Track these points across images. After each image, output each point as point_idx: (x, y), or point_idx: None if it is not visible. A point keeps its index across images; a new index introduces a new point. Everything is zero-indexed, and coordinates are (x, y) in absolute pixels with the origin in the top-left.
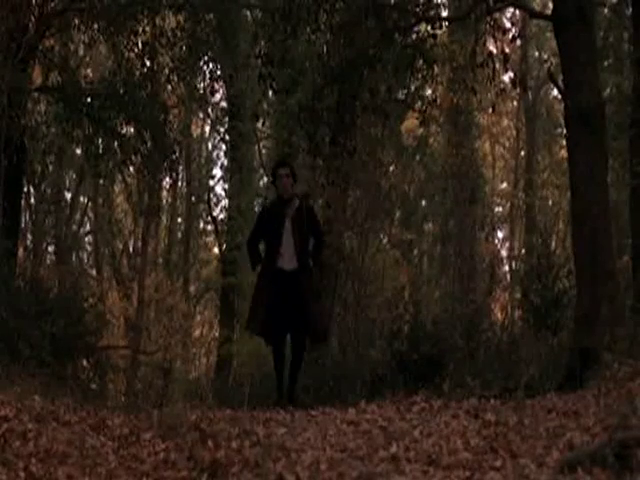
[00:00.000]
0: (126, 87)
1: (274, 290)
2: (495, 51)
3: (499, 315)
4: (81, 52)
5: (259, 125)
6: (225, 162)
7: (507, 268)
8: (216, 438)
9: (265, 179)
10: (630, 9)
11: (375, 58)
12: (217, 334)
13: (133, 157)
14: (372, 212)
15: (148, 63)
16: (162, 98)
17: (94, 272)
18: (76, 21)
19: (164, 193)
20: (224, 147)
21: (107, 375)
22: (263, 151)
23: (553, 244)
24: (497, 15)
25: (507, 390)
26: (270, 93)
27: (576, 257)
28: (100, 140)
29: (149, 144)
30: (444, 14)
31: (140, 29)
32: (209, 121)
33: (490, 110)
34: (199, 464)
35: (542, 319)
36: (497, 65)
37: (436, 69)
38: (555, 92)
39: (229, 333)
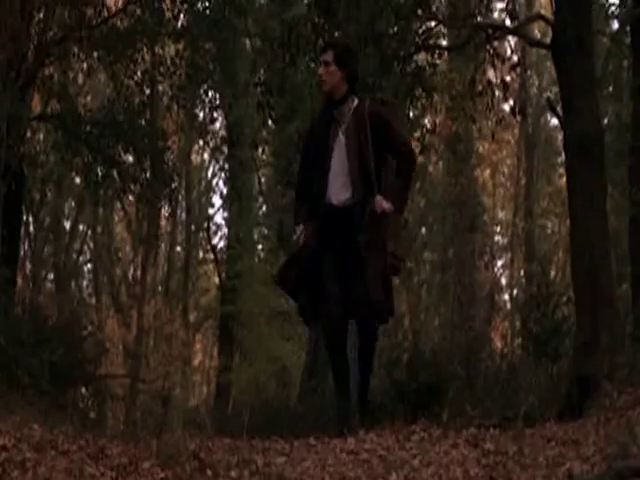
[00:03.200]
0: (125, 115)
1: (320, 236)
2: (494, 80)
3: (499, 343)
4: (80, 80)
5: (258, 153)
6: (224, 190)
7: (507, 296)
8: (215, 467)
9: (264, 207)
10: (629, 38)
11: (374, 86)
12: (216, 362)
13: (132, 185)
14: None
15: (147, 91)
16: (161, 126)
17: (93, 300)
18: (75, 49)
19: (163, 221)
20: (223, 175)
21: (106, 403)
22: (262, 179)
23: (552, 272)
24: (496, 44)
25: (506, 419)
26: (269, 121)
27: (575, 285)
28: (99, 168)
29: (148, 172)
30: (443, 43)
31: (139, 57)
32: (208, 149)
33: (490, 138)
34: None
35: (541, 347)
36: (497, 94)
37: (435, 97)
38: (554, 120)
39: (228, 361)
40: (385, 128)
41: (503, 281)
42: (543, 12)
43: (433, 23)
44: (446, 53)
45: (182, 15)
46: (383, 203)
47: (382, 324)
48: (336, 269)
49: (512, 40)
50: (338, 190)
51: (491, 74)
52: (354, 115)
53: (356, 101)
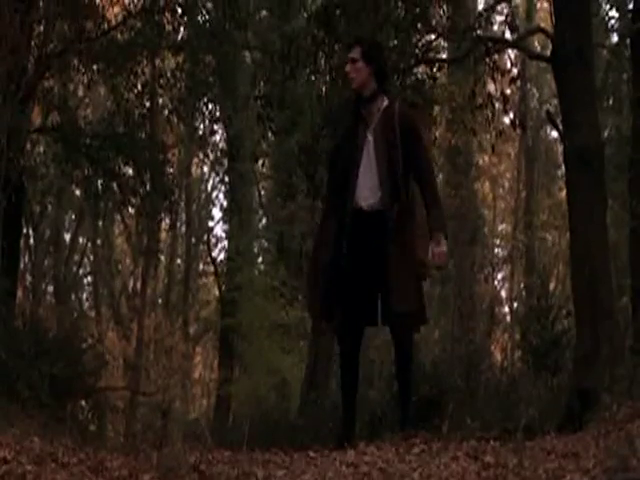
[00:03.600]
0: (125, 128)
1: (344, 242)
2: (494, 92)
3: (499, 356)
4: (80, 93)
5: (258, 166)
6: (224, 203)
7: (507, 309)
8: None
9: (264, 220)
10: (629, 51)
11: None
12: (216, 375)
13: (132, 198)
14: None
15: (147, 104)
16: (161, 139)
17: (93, 313)
18: (75, 62)
19: (163, 234)
20: (223, 188)
21: (106, 416)
22: (262, 192)
23: (552, 285)
24: (496, 56)
25: (506, 431)
26: (269, 134)
27: (575, 298)
28: (99, 181)
29: (148, 185)
30: (443, 56)
31: (139, 70)
32: (208, 162)
33: (490, 151)
34: None
35: (541, 360)
36: (496, 106)
37: (435, 110)
38: (554, 133)
39: (228, 374)
40: (413, 138)
41: (503, 294)
42: (543, 25)
43: (433, 36)
44: (446, 66)
45: (182, 28)
46: (436, 250)
47: (415, 332)
48: (360, 275)
49: (512, 53)
50: (367, 193)
51: (491, 87)
52: (383, 116)
53: (386, 101)
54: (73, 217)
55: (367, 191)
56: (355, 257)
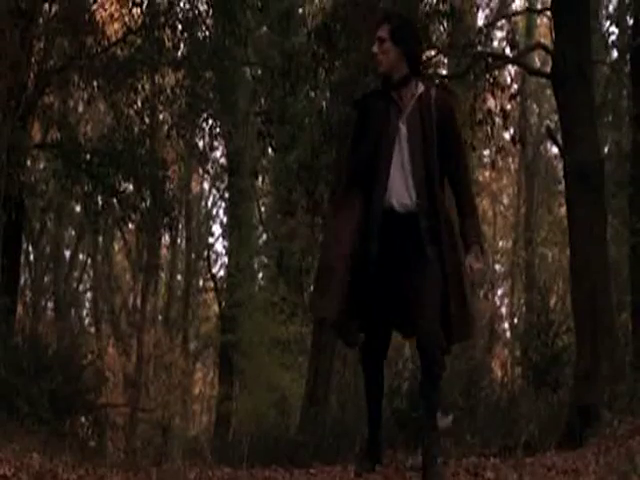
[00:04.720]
0: (125, 144)
1: (372, 246)
2: (494, 108)
3: (499, 372)
4: (80, 109)
5: (258, 182)
6: (224, 219)
7: (507, 325)
8: None
9: (264, 236)
10: (629, 67)
11: None
12: (216, 391)
13: (132, 214)
14: None
15: (147, 120)
16: (161, 155)
17: (93, 329)
18: (75, 78)
19: (163, 250)
20: (223, 204)
21: (106, 432)
22: (262, 208)
23: (552, 301)
24: (496, 73)
25: (507, 448)
26: (269, 150)
27: (576, 314)
28: (99, 197)
29: (148, 201)
30: (443, 72)
31: (139, 86)
32: (208, 178)
33: (490, 167)
34: None
35: (542, 376)
36: (496, 122)
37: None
38: (554, 149)
39: (228, 390)
40: (451, 132)
41: (503, 310)
42: (543, 41)
43: (433, 52)
44: (446, 82)
45: (182, 44)
46: (475, 265)
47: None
48: (389, 284)
49: (512, 69)
50: (399, 192)
51: (491, 103)
52: (418, 103)
53: (421, 87)
54: (73, 233)
55: (400, 190)
56: (385, 264)
